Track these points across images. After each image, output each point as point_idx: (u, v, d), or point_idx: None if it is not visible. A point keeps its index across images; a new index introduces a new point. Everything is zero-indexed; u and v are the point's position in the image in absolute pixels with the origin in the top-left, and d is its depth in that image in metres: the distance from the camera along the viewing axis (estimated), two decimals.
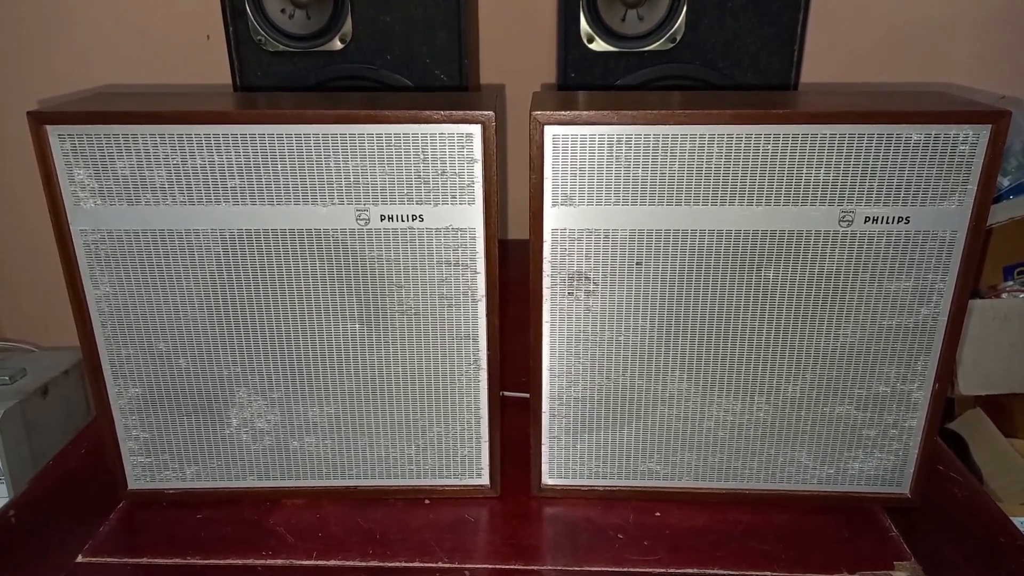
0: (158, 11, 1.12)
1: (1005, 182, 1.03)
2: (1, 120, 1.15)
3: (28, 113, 0.49)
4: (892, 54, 1.11)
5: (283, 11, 0.91)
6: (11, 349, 1.01)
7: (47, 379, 0.86)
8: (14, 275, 1.21)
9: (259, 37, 0.92)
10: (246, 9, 0.91)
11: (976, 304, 0.99)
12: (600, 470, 0.60)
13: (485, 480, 0.60)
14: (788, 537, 0.56)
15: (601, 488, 0.60)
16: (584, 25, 0.90)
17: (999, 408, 1.02)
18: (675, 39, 0.90)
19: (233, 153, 0.50)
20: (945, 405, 1.00)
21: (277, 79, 0.94)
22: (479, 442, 0.59)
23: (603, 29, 0.91)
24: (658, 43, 0.91)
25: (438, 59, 0.94)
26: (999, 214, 1.01)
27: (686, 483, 0.60)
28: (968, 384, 1.01)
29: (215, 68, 1.11)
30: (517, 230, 1.18)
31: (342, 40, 0.92)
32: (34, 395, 0.84)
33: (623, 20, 0.91)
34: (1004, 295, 1.03)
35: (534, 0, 1.11)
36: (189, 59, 1.14)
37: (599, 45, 0.91)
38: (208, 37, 1.15)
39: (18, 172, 1.17)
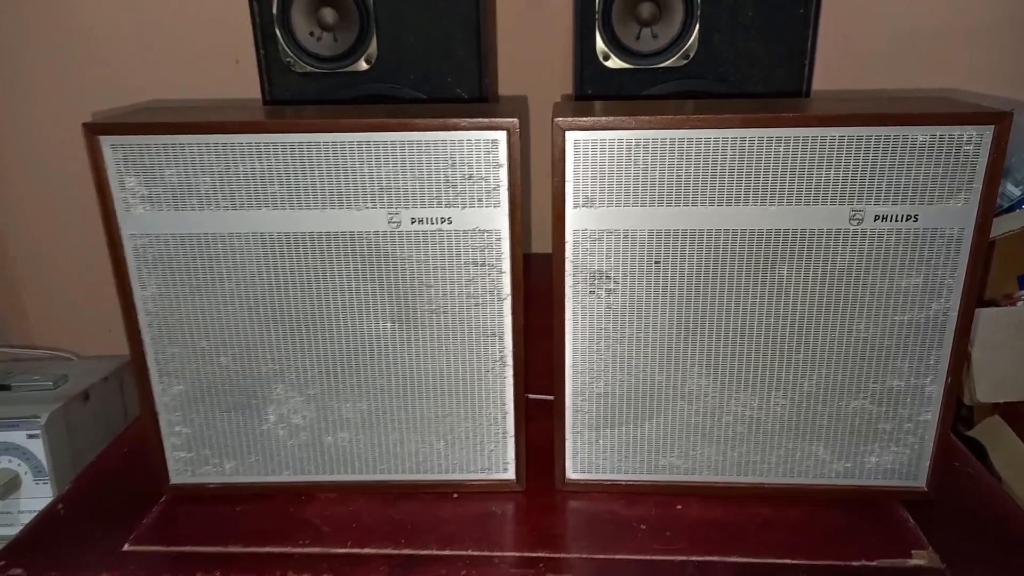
0: (192, 36, 1.17)
1: (1017, 192, 1.04)
2: (44, 136, 1.19)
3: (84, 124, 0.53)
4: (900, 64, 1.14)
5: (311, 34, 0.96)
6: (52, 358, 1.05)
7: (87, 384, 0.90)
8: (54, 288, 1.26)
9: (288, 59, 0.96)
10: (276, 33, 0.95)
11: (992, 312, 1.00)
12: (622, 465, 0.62)
13: (511, 475, 0.62)
14: (806, 528, 0.58)
15: (623, 483, 0.62)
16: (600, 43, 0.94)
17: (1017, 415, 1.02)
18: (688, 55, 0.93)
19: (273, 160, 0.54)
20: (959, 405, 1.01)
21: (304, 99, 0.98)
22: (505, 437, 0.61)
23: (618, 47, 0.94)
24: (672, 59, 0.94)
25: (459, 78, 0.97)
26: (1012, 223, 1.03)
27: (706, 477, 0.61)
28: (985, 391, 1.01)
29: (245, 90, 1.16)
30: (539, 243, 1.21)
31: (367, 61, 0.96)
32: (75, 399, 0.87)
33: (637, 38, 0.94)
34: (1020, 303, 1.04)
35: (551, 20, 1.15)
36: (221, 81, 1.19)
37: (615, 62, 0.94)
38: (237, 62, 1.20)
39: (58, 190, 1.22)
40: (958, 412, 1.03)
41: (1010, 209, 1.03)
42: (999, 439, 0.98)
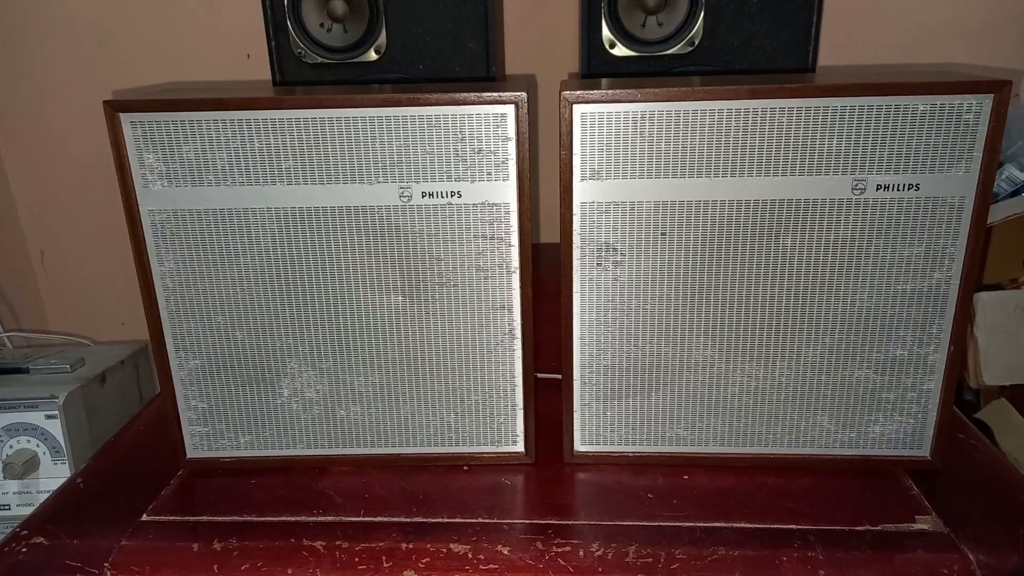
0: (203, 31, 1.19)
1: (1021, 176, 1.05)
2: (59, 127, 1.21)
3: (104, 102, 0.54)
4: (906, 51, 1.14)
5: (322, 25, 0.97)
6: (69, 343, 1.07)
7: (104, 368, 0.92)
8: (70, 276, 1.28)
9: (299, 50, 0.98)
10: (287, 25, 0.96)
11: (998, 296, 1.01)
12: (630, 437, 0.63)
13: (520, 447, 0.63)
14: (812, 496, 0.58)
15: (631, 454, 0.63)
16: (606, 32, 0.95)
17: None
18: (693, 43, 0.95)
19: (287, 136, 0.55)
20: (964, 389, 1.02)
21: None
22: (514, 410, 0.62)
23: (624, 35, 0.95)
24: (677, 47, 0.95)
25: (467, 67, 0.99)
26: (1017, 207, 1.03)
27: (712, 448, 0.62)
28: (992, 375, 1.02)
29: (257, 80, 1.18)
30: (547, 234, 1.22)
31: (377, 51, 0.98)
32: (93, 381, 0.89)
33: (643, 26, 0.95)
34: None
35: (557, 9, 1.16)
36: (232, 75, 1.21)
37: (621, 50, 0.96)
38: (248, 56, 1.22)
39: (71, 185, 1.24)
40: (961, 394, 1.03)
41: (1015, 193, 1.03)
42: (1006, 421, 0.99)
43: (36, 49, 1.18)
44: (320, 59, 0.98)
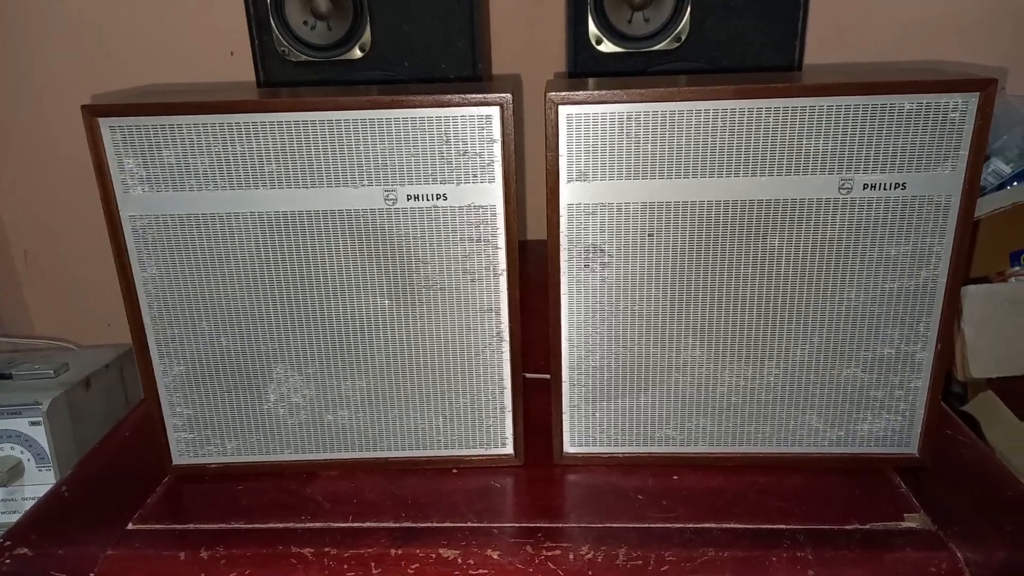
0: (186, 29, 1.18)
1: (1007, 169, 1.05)
2: (43, 128, 1.20)
3: (83, 107, 0.53)
4: (899, 48, 1.14)
5: (305, 23, 0.96)
6: (53, 347, 1.06)
7: (89, 372, 0.91)
8: (54, 279, 1.27)
9: (283, 49, 0.97)
10: (271, 23, 0.95)
11: (985, 289, 1.01)
12: (619, 438, 0.62)
13: (509, 449, 0.63)
14: (801, 494, 0.58)
15: (620, 455, 0.63)
16: (592, 28, 0.94)
17: (1010, 390, 1.03)
18: (680, 38, 0.94)
19: (271, 139, 0.54)
20: (951, 381, 1.02)
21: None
22: (503, 413, 0.62)
23: (611, 31, 0.95)
24: (664, 43, 0.95)
25: (453, 64, 0.98)
26: (1003, 200, 1.04)
27: (701, 448, 0.62)
28: (979, 368, 1.02)
29: (241, 80, 1.17)
30: (535, 231, 1.22)
31: (361, 49, 0.97)
32: (77, 387, 0.88)
33: (629, 22, 0.95)
34: (1012, 280, 1.05)
35: (544, 5, 1.15)
36: (216, 74, 1.20)
37: (607, 47, 0.95)
38: (232, 54, 1.21)
39: (58, 186, 1.23)
40: (948, 387, 1.04)
41: (1000, 187, 1.04)
42: (993, 414, 0.99)
43: (14, 48, 1.16)
44: (304, 57, 0.97)
